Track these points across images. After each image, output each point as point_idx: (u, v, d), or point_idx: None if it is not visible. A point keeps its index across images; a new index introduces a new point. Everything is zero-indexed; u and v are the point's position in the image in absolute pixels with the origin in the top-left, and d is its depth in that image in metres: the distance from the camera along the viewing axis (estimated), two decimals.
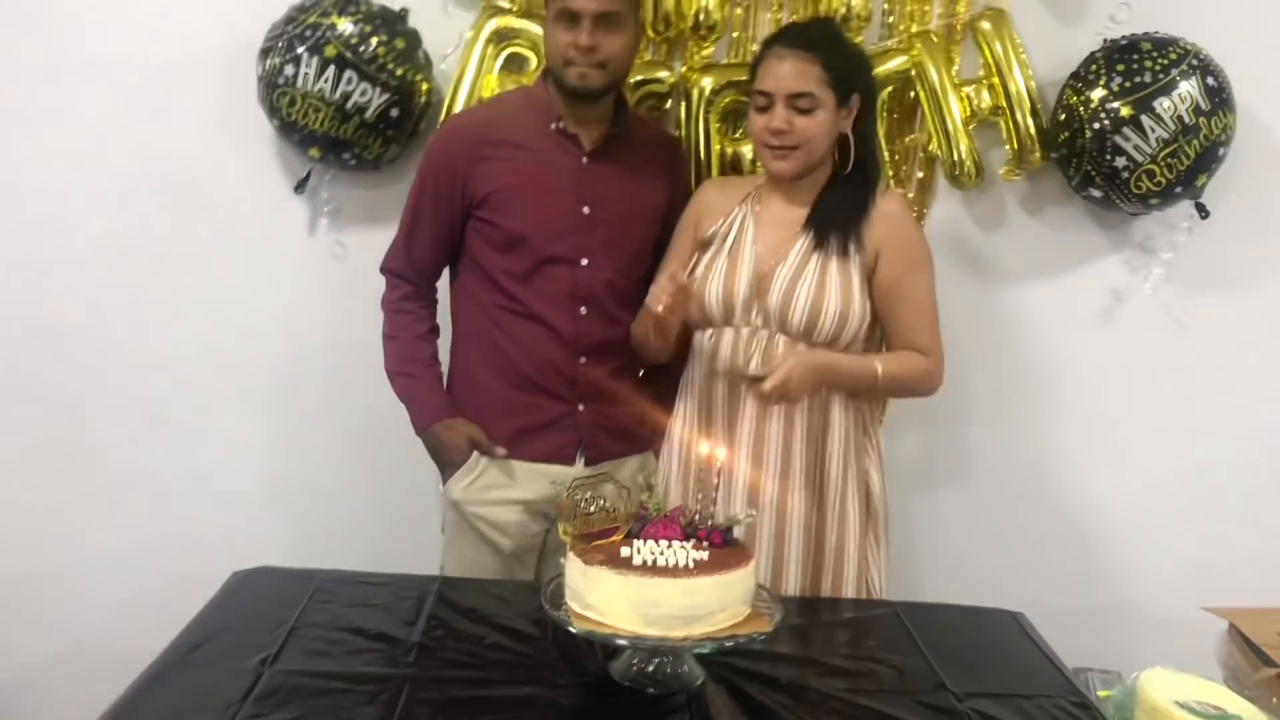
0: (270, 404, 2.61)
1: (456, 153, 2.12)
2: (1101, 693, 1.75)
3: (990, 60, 2.35)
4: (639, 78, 2.34)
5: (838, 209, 2.05)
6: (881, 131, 2.36)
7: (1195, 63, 2.26)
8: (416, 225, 2.17)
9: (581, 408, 2.18)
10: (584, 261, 2.13)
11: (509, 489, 2.17)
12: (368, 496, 2.61)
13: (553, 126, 2.11)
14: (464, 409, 2.20)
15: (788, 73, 1.97)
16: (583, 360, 2.17)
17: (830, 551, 2.06)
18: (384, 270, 2.23)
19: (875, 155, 2.14)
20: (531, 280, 2.13)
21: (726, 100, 2.38)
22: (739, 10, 2.39)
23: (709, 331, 2.10)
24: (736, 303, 2.05)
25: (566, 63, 2.03)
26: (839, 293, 2.00)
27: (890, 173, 2.39)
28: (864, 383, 2.05)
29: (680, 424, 2.16)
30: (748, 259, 2.06)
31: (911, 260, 2.06)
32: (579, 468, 2.17)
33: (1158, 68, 2.25)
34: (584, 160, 2.12)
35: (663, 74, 2.38)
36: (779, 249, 2.05)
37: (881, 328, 2.09)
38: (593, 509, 1.63)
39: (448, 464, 2.18)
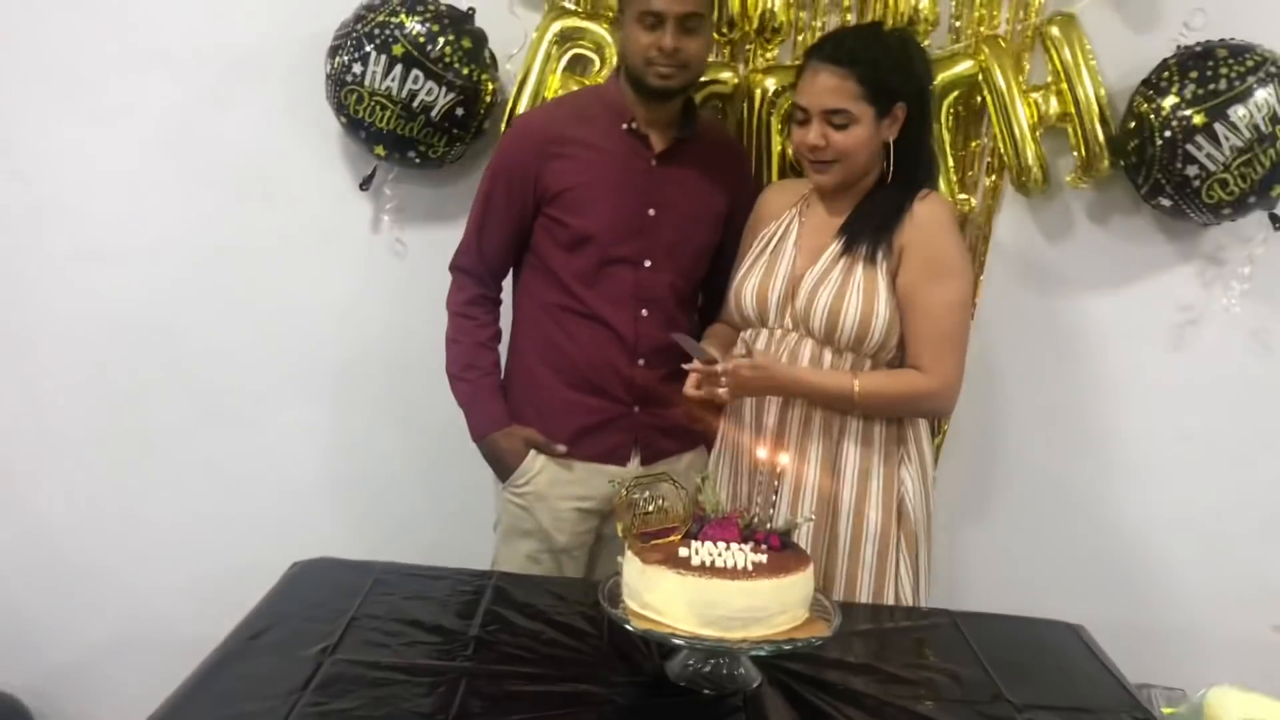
0: (330, 397, 2.64)
1: (529, 149, 2.13)
2: (1166, 710, 1.72)
3: (1059, 66, 2.31)
4: (703, 78, 2.34)
5: (871, 215, 2.03)
6: (948, 137, 2.34)
7: (1273, 69, 2.21)
8: (488, 221, 2.18)
9: (637, 409, 2.19)
10: (647, 263, 2.14)
11: (566, 486, 2.19)
12: (424, 491, 2.63)
13: (624, 127, 2.12)
14: (521, 406, 2.22)
15: (822, 89, 1.96)
16: (641, 363, 2.17)
17: (843, 557, 2.03)
18: (454, 268, 2.24)
19: (926, 161, 2.09)
20: (595, 281, 2.14)
21: (789, 101, 2.36)
22: (803, 13, 2.38)
23: (748, 332, 2.11)
24: (770, 305, 2.05)
25: (648, 63, 2.03)
26: (861, 297, 1.97)
27: (955, 177, 2.35)
28: (838, 400, 1.99)
29: (724, 425, 2.16)
30: (785, 262, 2.06)
31: (934, 267, 1.99)
32: (634, 467, 2.19)
33: (1234, 75, 2.20)
34: (653, 162, 2.14)
35: (726, 75, 2.37)
36: (814, 254, 2.05)
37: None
38: (650, 508, 1.63)
39: (505, 470, 2.21)
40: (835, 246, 2.03)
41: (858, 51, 1.96)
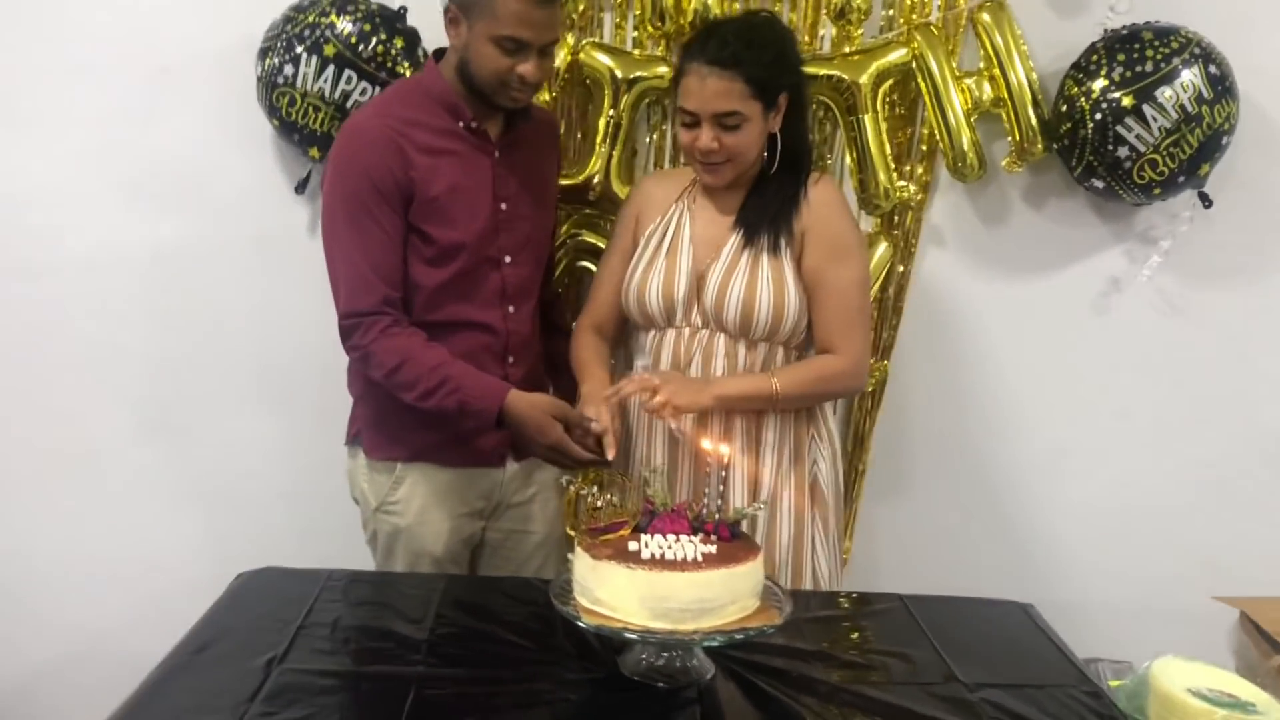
0: (271, 405, 2.60)
1: (390, 155, 1.93)
2: (1113, 682, 1.75)
3: (991, 52, 2.34)
4: (637, 74, 2.33)
5: (767, 204, 2.03)
6: (884, 126, 2.36)
7: (1197, 51, 2.25)
8: (366, 240, 1.93)
9: None
10: (507, 259, 2.07)
11: (442, 497, 2.10)
12: None
13: (461, 125, 2.01)
14: (380, 424, 2.09)
15: (711, 93, 1.93)
16: (510, 360, 2.11)
17: (760, 539, 2.03)
18: (350, 318, 1.94)
19: (805, 145, 2.09)
20: (461, 289, 2.03)
21: None
22: (736, 5, 2.38)
23: (652, 333, 2.10)
24: (677, 304, 2.05)
25: (503, 84, 1.93)
26: (771, 288, 1.99)
27: (893, 166, 2.37)
28: (762, 402, 2.01)
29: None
30: (685, 258, 2.06)
31: (836, 248, 2.02)
32: (510, 466, 2.14)
33: (1159, 56, 2.24)
34: (496, 154, 2.05)
35: (662, 69, 2.36)
36: (713, 247, 2.05)
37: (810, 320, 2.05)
38: (599, 503, 1.63)
39: (533, 441, 1.94)
40: (735, 239, 2.03)
41: (741, 50, 1.93)
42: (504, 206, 2.06)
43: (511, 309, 2.10)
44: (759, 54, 1.94)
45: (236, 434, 2.61)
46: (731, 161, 1.99)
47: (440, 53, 2.06)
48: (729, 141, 1.96)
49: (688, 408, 1.96)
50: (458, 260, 2.01)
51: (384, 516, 2.13)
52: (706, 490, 1.65)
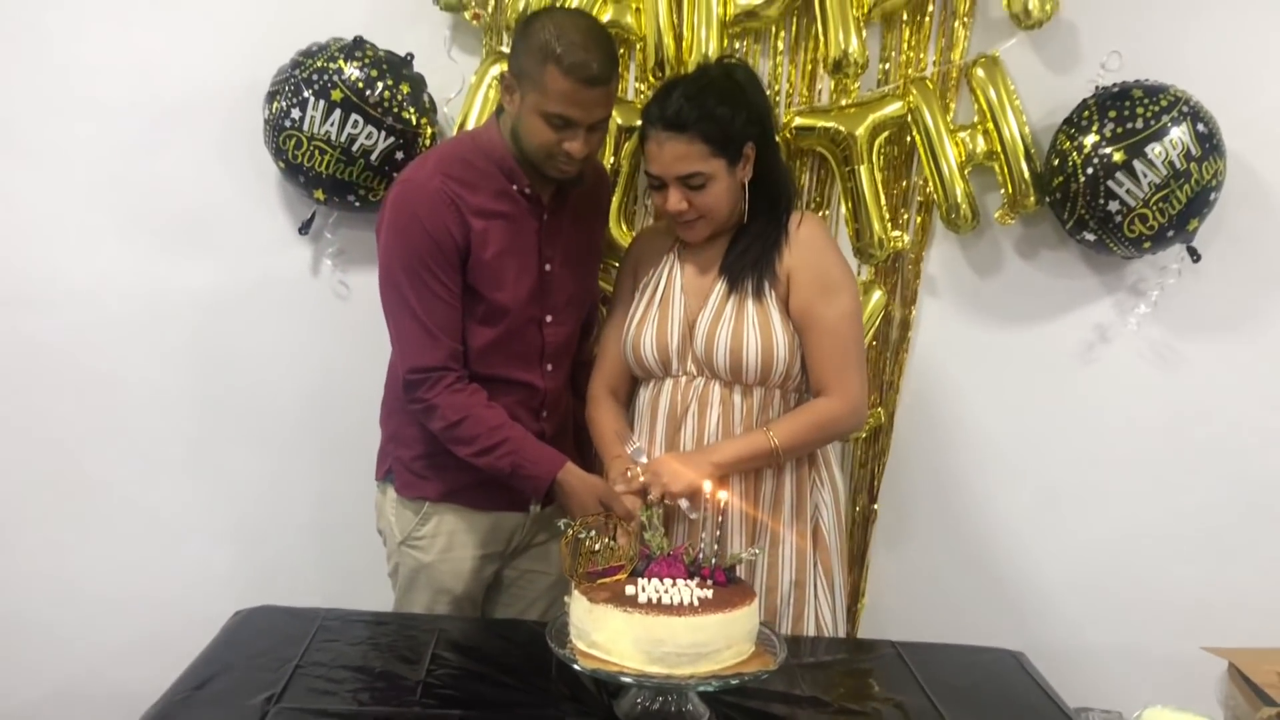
0: (272, 443, 2.61)
1: (448, 213, 1.96)
2: None
3: (985, 106, 2.39)
4: (637, 122, 2.36)
5: (748, 249, 2.04)
6: (879, 176, 2.40)
7: (1185, 109, 2.30)
8: (429, 298, 1.96)
9: None
10: (549, 319, 2.11)
11: (466, 535, 2.14)
12: (369, 537, 2.60)
13: (516, 188, 2.03)
14: (411, 462, 2.13)
15: (671, 158, 1.94)
16: (544, 414, 2.14)
17: (761, 588, 2.04)
18: (416, 373, 1.98)
19: (784, 184, 2.09)
20: (504, 347, 2.06)
21: None
22: (734, 58, 2.42)
23: (651, 383, 2.12)
24: (671, 354, 2.06)
25: (550, 157, 1.95)
26: (758, 333, 2.00)
27: (888, 216, 2.41)
28: (763, 460, 2.02)
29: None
30: (677, 308, 2.07)
31: (823, 285, 2.02)
32: (534, 510, 2.16)
33: (1149, 114, 2.29)
34: (545, 217, 2.08)
35: None
36: (702, 295, 2.06)
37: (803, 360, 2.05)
38: (597, 547, 1.65)
39: (580, 506, 1.97)
40: (720, 287, 2.04)
41: (694, 110, 1.92)
42: (549, 268, 2.09)
43: (550, 367, 2.13)
44: (714, 110, 1.93)
45: (234, 471, 2.62)
46: (705, 218, 2.00)
47: (501, 110, 2.06)
48: (698, 201, 1.97)
49: (686, 491, 1.95)
50: (503, 321, 2.04)
51: (408, 551, 2.16)
52: (703, 535, 1.66)
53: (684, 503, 1.96)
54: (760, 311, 2.01)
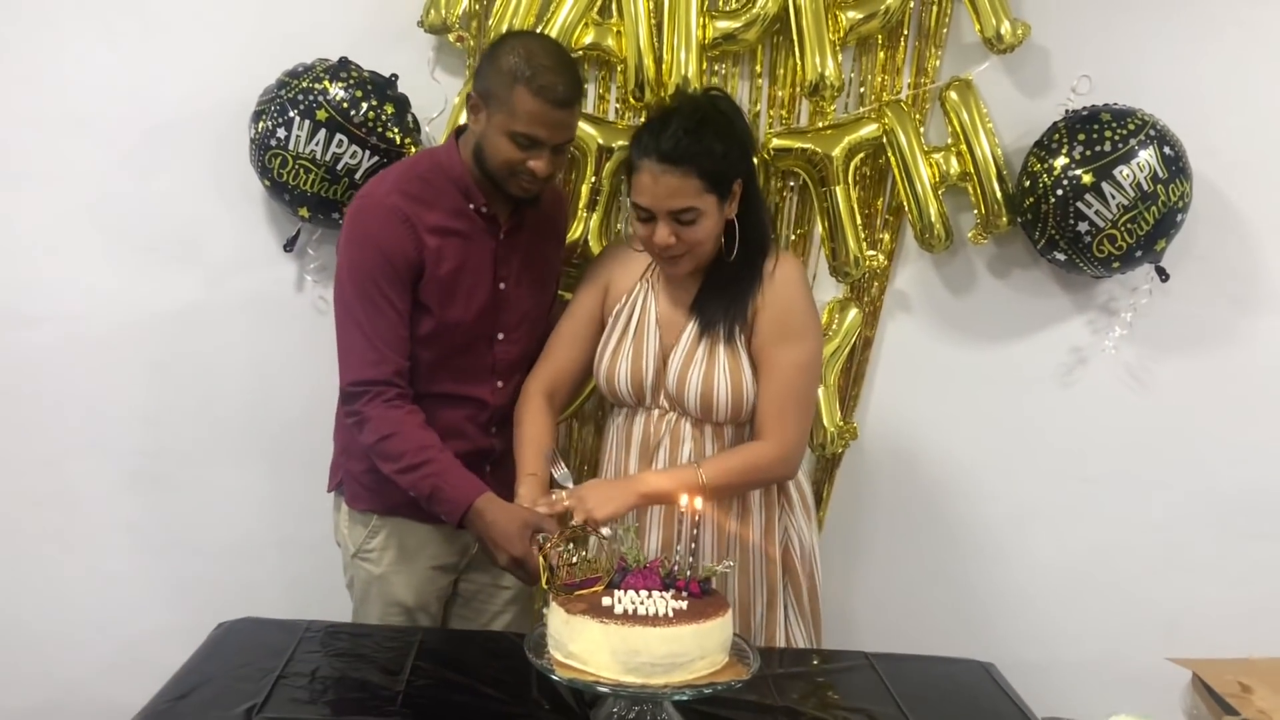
0: (255, 458, 2.64)
1: (401, 229, 1.99)
2: None
3: (958, 128, 2.44)
4: (619, 143, 2.41)
5: (723, 290, 2.02)
6: (855, 195, 2.45)
7: (1153, 133, 2.36)
8: (377, 313, 1.98)
9: (489, 468, 2.15)
10: (500, 336, 2.13)
11: (420, 548, 2.16)
12: None
13: (472, 207, 2.05)
14: (360, 478, 2.14)
15: (665, 191, 1.91)
16: (494, 430, 2.16)
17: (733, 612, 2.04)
18: (357, 386, 1.99)
19: (762, 228, 2.06)
20: (454, 363, 2.08)
21: None
22: (715, 79, 2.47)
23: (624, 412, 2.13)
24: (646, 388, 2.07)
25: (513, 174, 1.97)
26: (728, 378, 2.00)
27: (864, 235, 2.46)
28: (689, 494, 1.97)
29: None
30: (651, 341, 2.07)
31: (785, 329, 2.01)
32: None
33: (1117, 137, 2.34)
34: (501, 236, 2.10)
35: None
36: (675, 330, 2.06)
37: None
38: (574, 560, 1.68)
39: (498, 548, 1.91)
40: (693, 327, 2.04)
41: (693, 144, 1.90)
42: (503, 286, 2.11)
43: (500, 384, 2.14)
44: (712, 146, 1.91)
45: (218, 486, 2.64)
46: (690, 253, 1.98)
47: (461, 130, 2.09)
48: (686, 235, 1.95)
49: (612, 516, 1.90)
50: (454, 337, 2.06)
51: (360, 563, 2.18)
52: (678, 548, 1.69)
53: (605, 530, 1.88)
54: (731, 356, 2.01)
